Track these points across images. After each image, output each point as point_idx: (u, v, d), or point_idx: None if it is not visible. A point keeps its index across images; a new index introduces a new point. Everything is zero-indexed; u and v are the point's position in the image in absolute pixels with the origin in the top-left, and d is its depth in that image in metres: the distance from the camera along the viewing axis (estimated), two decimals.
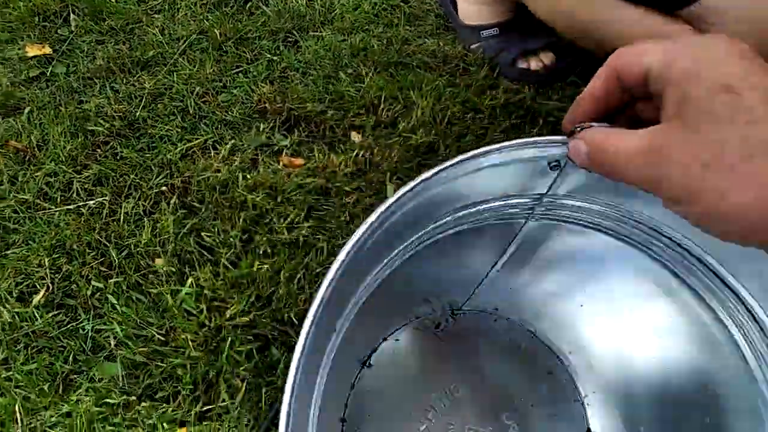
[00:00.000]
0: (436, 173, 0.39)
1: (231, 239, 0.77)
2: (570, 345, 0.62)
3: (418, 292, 0.61)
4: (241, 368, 0.65)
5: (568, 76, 1.02)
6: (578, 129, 0.37)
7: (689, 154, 0.29)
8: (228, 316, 0.69)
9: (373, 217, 0.37)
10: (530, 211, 0.51)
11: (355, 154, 0.88)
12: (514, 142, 0.41)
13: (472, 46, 1.05)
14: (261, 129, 0.92)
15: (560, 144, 0.41)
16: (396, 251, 0.47)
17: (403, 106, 0.96)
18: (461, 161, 0.40)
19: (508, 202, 0.49)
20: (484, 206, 0.48)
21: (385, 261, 0.46)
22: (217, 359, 0.66)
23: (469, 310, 0.63)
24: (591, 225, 0.52)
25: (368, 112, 0.95)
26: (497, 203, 0.49)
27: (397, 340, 0.61)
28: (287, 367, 0.65)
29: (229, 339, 0.67)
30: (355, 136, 0.93)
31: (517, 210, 0.51)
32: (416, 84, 0.98)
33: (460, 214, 0.48)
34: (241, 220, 0.79)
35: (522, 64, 1.02)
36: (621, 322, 0.57)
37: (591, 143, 0.35)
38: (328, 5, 1.14)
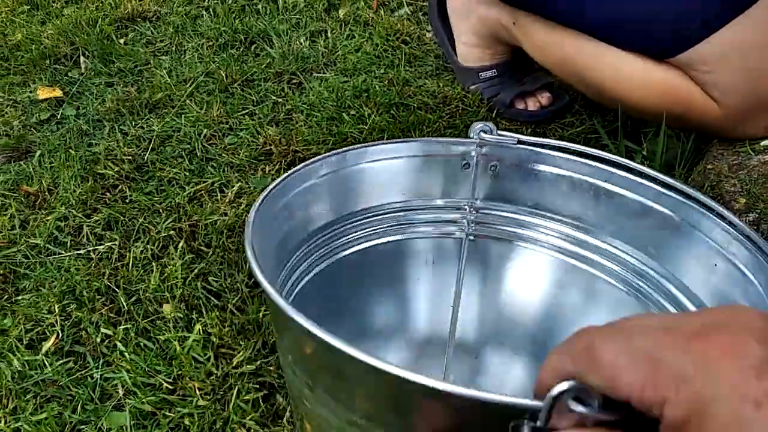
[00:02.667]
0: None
1: (237, 284, 0.79)
2: None
3: None
4: (248, 417, 0.66)
5: (564, 115, 1.05)
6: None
7: None
8: (235, 363, 0.71)
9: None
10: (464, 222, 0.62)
11: None
12: (420, 139, 0.53)
13: (471, 87, 1.08)
14: (267, 171, 0.95)
15: (466, 143, 0.56)
16: None
17: None
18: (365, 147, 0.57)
19: (439, 215, 0.62)
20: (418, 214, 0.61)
21: None
22: (224, 408, 0.67)
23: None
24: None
25: None
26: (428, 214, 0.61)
27: None
28: (292, 415, 0.67)
29: (236, 387, 0.68)
30: None
31: (451, 226, 0.62)
32: (417, 125, 1.01)
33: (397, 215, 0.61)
34: (247, 265, 0.81)
35: (519, 105, 1.05)
36: None
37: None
38: (331, 47, 1.17)
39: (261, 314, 0.75)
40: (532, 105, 1.05)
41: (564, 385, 0.27)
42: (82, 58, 1.16)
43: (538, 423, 0.28)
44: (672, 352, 0.22)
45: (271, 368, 0.70)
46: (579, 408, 0.27)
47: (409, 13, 1.27)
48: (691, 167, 0.86)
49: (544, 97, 1.05)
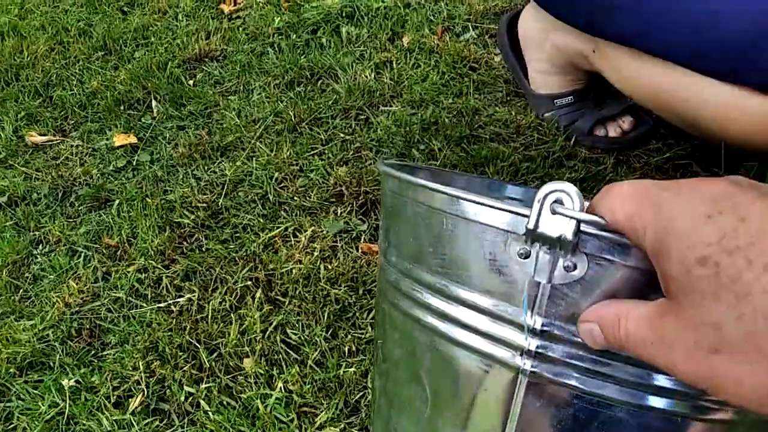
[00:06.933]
0: None
1: (316, 337, 0.77)
2: None
3: None
4: None
5: (649, 140, 0.98)
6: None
7: (688, 340, 0.28)
8: (318, 424, 0.69)
9: None
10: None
11: None
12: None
13: (546, 115, 1.03)
14: (339, 214, 0.93)
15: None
16: None
17: None
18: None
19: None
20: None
21: None
22: None
23: None
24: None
25: None
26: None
27: None
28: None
29: None
30: None
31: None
32: (491, 159, 0.97)
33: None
34: (325, 315, 0.79)
35: (599, 132, 0.99)
36: None
37: (601, 323, 0.33)
38: (397, 78, 1.15)
39: (342, 371, 0.73)
40: (612, 131, 0.99)
41: (547, 187, 0.33)
42: (153, 102, 1.19)
43: (529, 224, 0.33)
44: (659, 187, 0.29)
45: (354, 430, 0.68)
46: (560, 209, 0.32)
47: (475, 36, 1.23)
48: None
49: (626, 122, 0.99)
